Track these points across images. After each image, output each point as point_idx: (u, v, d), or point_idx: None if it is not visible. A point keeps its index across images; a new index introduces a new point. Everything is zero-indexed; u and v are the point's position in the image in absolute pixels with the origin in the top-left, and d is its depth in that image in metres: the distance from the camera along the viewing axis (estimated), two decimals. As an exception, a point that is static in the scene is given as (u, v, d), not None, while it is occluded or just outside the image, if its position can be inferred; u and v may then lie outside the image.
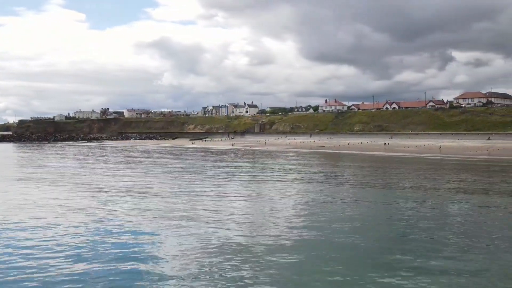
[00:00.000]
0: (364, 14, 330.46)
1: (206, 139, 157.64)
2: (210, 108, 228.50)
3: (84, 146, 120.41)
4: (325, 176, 39.95)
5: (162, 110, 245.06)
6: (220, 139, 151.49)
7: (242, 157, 69.83)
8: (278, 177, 38.84)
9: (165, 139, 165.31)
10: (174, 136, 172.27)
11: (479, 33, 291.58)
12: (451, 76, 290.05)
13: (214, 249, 14.79)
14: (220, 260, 13.67)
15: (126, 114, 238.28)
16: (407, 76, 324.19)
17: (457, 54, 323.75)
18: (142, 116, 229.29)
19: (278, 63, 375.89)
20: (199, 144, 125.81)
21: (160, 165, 54.50)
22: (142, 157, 69.75)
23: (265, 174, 42.11)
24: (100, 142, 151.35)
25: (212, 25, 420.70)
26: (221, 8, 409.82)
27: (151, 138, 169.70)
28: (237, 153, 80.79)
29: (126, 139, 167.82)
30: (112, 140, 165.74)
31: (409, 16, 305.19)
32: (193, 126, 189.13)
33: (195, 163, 56.83)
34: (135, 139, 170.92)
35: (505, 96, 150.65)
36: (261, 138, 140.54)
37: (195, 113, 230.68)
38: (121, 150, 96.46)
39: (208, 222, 18.82)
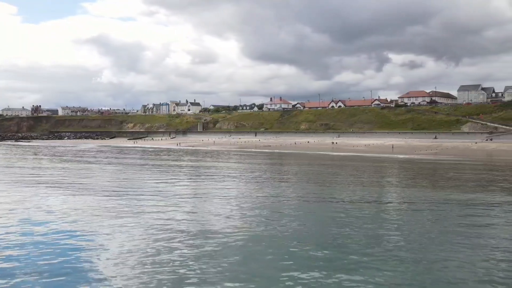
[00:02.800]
0: (304, 15, 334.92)
1: (146, 138, 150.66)
2: (151, 106, 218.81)
3: (7, 146, 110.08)
4: (273, 177, 37.03)
5: (100, 109, 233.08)
6: (161, 138, 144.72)
7: (185, 157, 64.30)
8: (223, 177, 37.42)
9: (102, 139, 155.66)
10: (111, 135, 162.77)
11: (412, 37, 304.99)
12: (387, 77, 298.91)
13: (154, 247, 14.86)
14: (162, 257, 13.71)
15: (61, 112, 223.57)
16: (346, 76, 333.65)
17: (393, 56, 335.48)
18: (78, 114, 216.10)
19: (220, 62, 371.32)
20: (141, 144, 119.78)
21: (99, 167, 47.24)
22: (76, 159, 61.83)
23: (209, 174, 40.32)
24: (29, 141, 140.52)
25: (154, 22, 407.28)
26: (162, 5, 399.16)
27: (86, 138, 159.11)
28: (180, 153, 75.27)
29: (58, 139, 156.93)
30: (42, 139, 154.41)
31: (347, 18, 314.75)
32: (132, 124, 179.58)
33: (138, 162, 54.74)
34: (69, 138, 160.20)
35: (447, 95, 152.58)
36: (204, 137, 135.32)
37: (135, 111, 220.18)
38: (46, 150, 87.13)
39: (151, 221, 18.70)
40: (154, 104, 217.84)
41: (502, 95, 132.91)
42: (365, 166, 50.30)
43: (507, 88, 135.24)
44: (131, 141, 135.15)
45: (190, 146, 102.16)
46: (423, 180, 36.08)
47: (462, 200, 24.40)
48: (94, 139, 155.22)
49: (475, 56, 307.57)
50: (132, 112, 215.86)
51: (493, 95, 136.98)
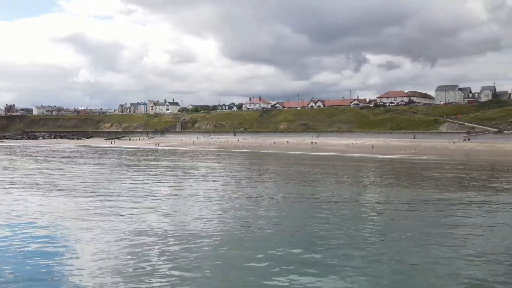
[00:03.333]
0: (283, 15, 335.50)
1: (123, 138, 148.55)
2: (128, 105, 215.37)
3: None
4: (252, 177, 36.34)
5: (76, 108, 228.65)
6: (138, 138, 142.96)
7: (163, 157, 62.97)
8: (201, 177, 36.61)
9: (78, 138, 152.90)
10: (88, 135, 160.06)
11: (389, 38, 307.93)
12: (365, 78, 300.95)
13: (130, 246, 14.56)
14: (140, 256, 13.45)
15: (36, 112, 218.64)
16: (325, 76, 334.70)
17: (370, 57, 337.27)
18: (53, 113, 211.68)
19: (199, 61, 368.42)
20: (118, 144, 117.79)
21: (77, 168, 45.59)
22: (52, 160, 59.88)
23: (187, 174, 39.45)
24: (2, 141, 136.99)
25: (131, 21, 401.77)
26: (140, 4, 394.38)
27: (62, 137, 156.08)
28: (158, 153, 73.86)
29: (33, 139, 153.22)
30: (16, 139, 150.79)
31: (326, 19, 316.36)
32: (109, 124, 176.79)
33: (115, 162, 53.41)
34: (44, 138, 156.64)
35: (425, 95, 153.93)
36: (183, 137, 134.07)
37: (112, 111, 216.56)
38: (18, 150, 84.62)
39: (125, 223, 17.97)
40: (131, 104, 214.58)
41: (478, 95, 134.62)
42: (345, 166, 49.82)
43: (483, 88, 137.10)
44: (108, 141, 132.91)
45: (169, 146, 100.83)
46: (403, 180, 35.76)
47: (441, 199, 24.19)
48: (70, 139, 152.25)
49: (450, 57, 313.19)
50: (109, 112, 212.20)
51: (470, 95, 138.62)
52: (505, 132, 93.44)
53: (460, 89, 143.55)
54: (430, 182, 33.10)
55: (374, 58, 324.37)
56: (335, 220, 18.51)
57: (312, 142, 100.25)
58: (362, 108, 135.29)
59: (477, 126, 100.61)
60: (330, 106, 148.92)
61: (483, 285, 11.24)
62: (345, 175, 39.72)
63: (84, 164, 51.96)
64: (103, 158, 63.81)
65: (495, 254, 13.73)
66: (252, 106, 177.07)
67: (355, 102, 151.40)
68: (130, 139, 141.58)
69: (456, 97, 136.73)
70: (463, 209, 21.32)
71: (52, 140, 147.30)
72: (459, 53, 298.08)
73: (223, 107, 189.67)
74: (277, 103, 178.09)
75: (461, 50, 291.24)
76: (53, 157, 65.86)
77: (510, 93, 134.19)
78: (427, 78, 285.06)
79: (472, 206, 22.23)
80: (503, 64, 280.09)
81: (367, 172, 43.46)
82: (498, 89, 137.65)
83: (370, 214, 20.12)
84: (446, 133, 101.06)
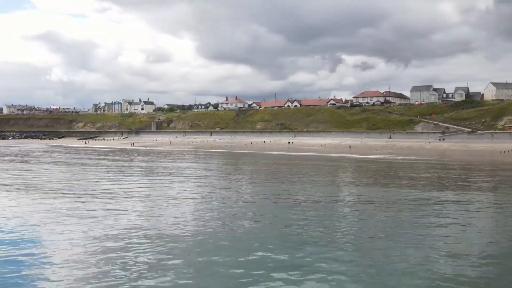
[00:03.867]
0: (260, 15, 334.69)
1: (97, 138, 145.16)
2: (103, 105, 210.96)
3: None
4: (228, 177, 35.61)
5: (49, 107, 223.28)
6: (113, 138, 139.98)
7: (138, 157, 61.61)
8: (176, 178, 35.85)
9: (50, 138, 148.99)
10: (60, 135, 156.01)
11: (364, 39, 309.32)
12: (341, 78, 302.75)
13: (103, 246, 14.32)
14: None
15: (6, 111, 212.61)
16: (301, 76, 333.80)
17: (346, 57, 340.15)
18: (24, 112, 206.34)
19: (175, 61, 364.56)
20: (92, 144, 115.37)
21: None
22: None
23: (162, 175, 38.50)
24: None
25: (106, 19, 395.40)
26: (115, 2, 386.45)
27: (33, 137, 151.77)
28: (133, 153, 72.19)
29: (2, 138, 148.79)
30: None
31: (301, 19, 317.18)
32: (82, 124, 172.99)
33: (88, 162, 52.10)
34: (14, 138, 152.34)
35: (400, 96, 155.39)
36: (158, 137, 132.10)
37: (86, 110, 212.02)
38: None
39: (96, 225, 17.56)
40: (106, 103, 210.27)
41: (452, 96, 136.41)
42: (322, 166, 49.51)
43: (457, 89, 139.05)
44: (82, 141, 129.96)
45: (144, 146, 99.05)
46: (380, 180, 35.59)
47: (417, 199, 24.21)
48: (41, 139, 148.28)
49: (423, 59, 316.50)
50: (83, 111, 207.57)
51: (444, 95, 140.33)
52: (479, 132, 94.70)
53: (434, 89, 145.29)
54: (407, 182, 33.09)
55: (349, 59, 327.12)
56: (312, 220, 18.36)
57: (289, 142, 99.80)
58: (338, 108, 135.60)
59: (452, 126, 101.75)
60: (306, 106, 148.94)
61: (455, 284, 11.24)
62: (323, 175, 39.34)
63: (56, 164, 50.30)
64: (76, 158, 62.06)
65: (467, 254, 13.70)
66: (229, 105, 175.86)
67: (332, 102, 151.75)
68: (104, 139, 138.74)
69: (430, 98, 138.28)
70: (438, 209, 21.28)
71: (22, 140, 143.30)
72: (431, 54, 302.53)
73: (199, 107, 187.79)
74: (253, 102, 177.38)
75: (433, 51, 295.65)
76: (22, 157, 63.75)
77: (483, 94, 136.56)
78: (401, 79, 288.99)
79: (447, 205, 22.25)
80: (473, 66, 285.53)
81: (345, 172, 43.25)
82: (471, 90, 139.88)
83: (348, 215, 19.97)
84: (421, 133, 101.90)
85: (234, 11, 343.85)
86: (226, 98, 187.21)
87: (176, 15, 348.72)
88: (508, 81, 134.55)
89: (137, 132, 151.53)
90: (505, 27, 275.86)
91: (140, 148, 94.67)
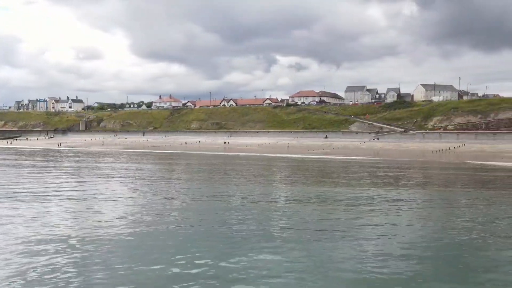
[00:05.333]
0: (195, 13, 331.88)
1: (19, 137, 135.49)
2: (26, 102, 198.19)
3: None
4: (160, 177, 34.50)
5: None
6: (37, 138, 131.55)
7: (62, 158, 56.41)
8: (104, 180, 33.60)
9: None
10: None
11: (298, 40, 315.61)
12: (275, 78, 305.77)
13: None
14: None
15: None
16: (236, 76, 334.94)
17: (280, 58, 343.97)
18: None
19: (107, 58, 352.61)
20: (13, 144, 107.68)
21: None
22: None
23: (90, 177, 35.83)
24: None
25: (32, 13, 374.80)
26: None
27: None
28: (56, 154, 66.72)
29: None
30: None
31: (237, 19, 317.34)
32: (3, 122, 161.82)
33: (7, 163, 49.28)
34: None
35: (335, 96, 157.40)
36: (87, 137, 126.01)
37: (7, 108, 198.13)
38: None
39: (24, 226, 16.69)
40: (30, 101, 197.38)
41: (385, 96, 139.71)
42: (259, 166, 47.71)
43: (389, 90, 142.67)
44: (4, 141, 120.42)
45: (70, 147, 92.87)
46: (317, 179, 35.02)
47: (355, 197, 24.33)
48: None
49: (353, 61, 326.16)
50: (4, 109, 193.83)
51: (377, 96, 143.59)
52: (411, 132, 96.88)
53: (368, 90, 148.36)
54: (344, 180, 32.90)
55: (283, 60, 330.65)
56: (245, 220, 18.06)
57: (225, 142, 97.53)
58: (275, 107, 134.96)
59: (385, 126, 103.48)
60: (243, 105, 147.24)
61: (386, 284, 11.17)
62: (259, 175, 37.99)
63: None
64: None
65: (399, 252, 13.64)
66: (162, 104, 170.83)
67: (268, 101, 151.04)
68: (27, 139, 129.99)
69: (364, 98, 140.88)
70: (372, 206, 21.43)
71: None
72: (361, 57, 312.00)
73: (132, 106, 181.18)
74: (188, 101, 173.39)
75: (363, 54, 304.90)
76: None
77: (413, 95, 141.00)
78: (333, 80, 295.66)
79: (380, 203, 22.44)
80: (399, 68, 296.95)
81: (282, 172, 41.84)
82: (402, 91, 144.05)
83: (283, 214, 19.58)
84: (356, 132, 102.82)
85: (168, 8, 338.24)
86: (160, 96, 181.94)
87: (108, 11, 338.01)
88: (436, 83, 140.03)
89: (64, 131, 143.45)
90: (428, 33, 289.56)
91: (66, 148, 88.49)
